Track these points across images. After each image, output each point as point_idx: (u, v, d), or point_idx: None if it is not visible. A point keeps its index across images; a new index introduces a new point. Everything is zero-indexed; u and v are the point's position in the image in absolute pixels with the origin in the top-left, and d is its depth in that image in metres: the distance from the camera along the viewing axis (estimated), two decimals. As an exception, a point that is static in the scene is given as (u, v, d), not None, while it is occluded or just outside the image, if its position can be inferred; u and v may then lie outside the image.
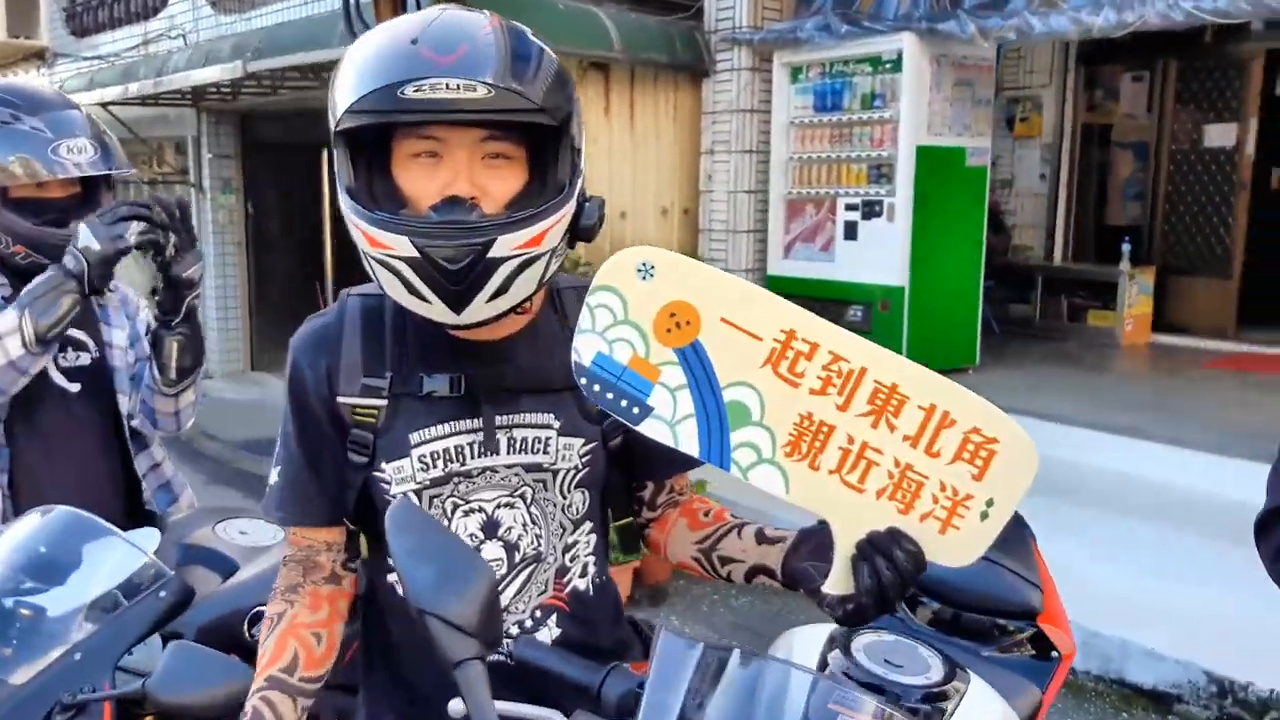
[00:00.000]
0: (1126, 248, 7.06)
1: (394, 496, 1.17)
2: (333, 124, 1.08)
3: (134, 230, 1.77)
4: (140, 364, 2.00)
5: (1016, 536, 1.94)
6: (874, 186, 5.87)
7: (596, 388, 0.96)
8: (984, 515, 0.97)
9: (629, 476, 1.30)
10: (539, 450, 1.19)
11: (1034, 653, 1.81)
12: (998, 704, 1.25)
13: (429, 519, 0.98)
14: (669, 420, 0.96)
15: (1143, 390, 5.97)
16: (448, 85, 1.02)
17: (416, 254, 1.05)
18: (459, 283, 1.06)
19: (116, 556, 1.58)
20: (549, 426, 1.19)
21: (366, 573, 1.27)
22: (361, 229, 1.08)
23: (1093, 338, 7.22)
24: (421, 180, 1.10)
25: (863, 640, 1.28)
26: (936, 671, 1.27)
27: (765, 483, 0.96)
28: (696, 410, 0.95)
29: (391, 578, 1.21)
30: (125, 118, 8.56)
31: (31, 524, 1.59)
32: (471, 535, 1.18)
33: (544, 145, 1.12)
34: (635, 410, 0.96)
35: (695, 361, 0.95)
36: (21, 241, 1.83)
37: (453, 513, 1.18)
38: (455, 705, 1.04)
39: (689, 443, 0.96)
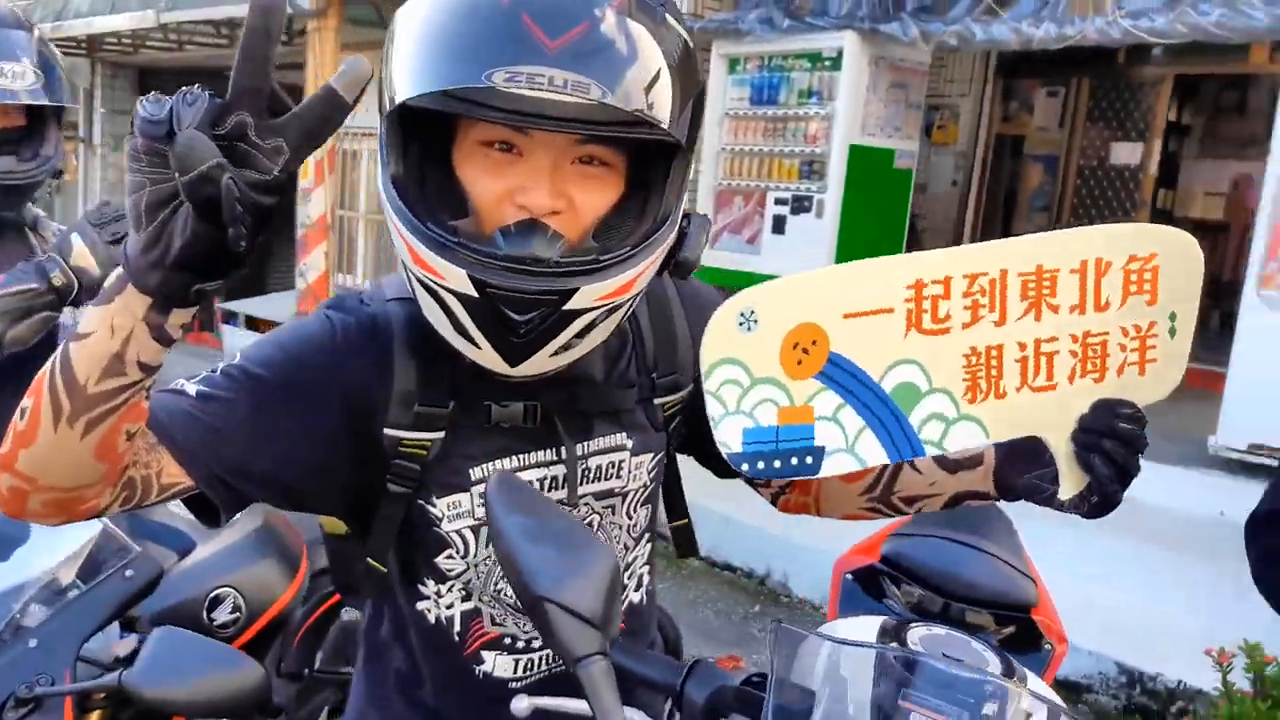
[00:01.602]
0: (1035, 257, 7.28)
1: (448, 533, 1.01)
2: (388, 96, 0.85)
3: None
4: None
5: (1003, 525, 1.92)
6: (805, 182, 5.89)
7: (761, 465, 0.85)
8: (1172, 332, 0.94)
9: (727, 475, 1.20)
10: (612, 476, 1.06)
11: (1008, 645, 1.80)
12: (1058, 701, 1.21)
13: (537, 495, 0.86)
14: (845, 447, 0.86)
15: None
16: (552, 81, 0.78)
17: (474, 293, 0.84)
18: (522, 335, 0.87)
19: (68, 530, 1.41)
20: (622, 448, 1.06)
21: (384, 600, 1.09)
22: (406, 241, 0.86)
23: (1000, 342, 7.40)
24: (490, 178, 0.88)
25: (917, 633, 1.22)
26: (995, 666, 1.21)
27: (963, 441, 0.89)
28: (867, 419, 0.86)
29: (422, 606, 1.05)
30: (10, 62, 7.99)
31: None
32: None
33: (650, 155, 0.91)
34: (809, 460, 0.86)
35: (840, 374, 0.85)
36: None
37: None
38: (520, 703, 0.94)
39: (874, 455, 0.87)
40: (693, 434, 1.15)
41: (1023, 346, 0.90)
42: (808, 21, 5.63)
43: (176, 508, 1.77)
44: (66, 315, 1.76)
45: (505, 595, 1.04)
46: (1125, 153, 7.40)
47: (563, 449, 1.02)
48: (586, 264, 0.86)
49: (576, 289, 0.85)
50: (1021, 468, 1.02)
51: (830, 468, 0.87)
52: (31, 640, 1.23)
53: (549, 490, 1.02)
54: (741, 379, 0.83)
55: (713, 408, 0.84)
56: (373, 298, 1.01)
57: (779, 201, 6.00)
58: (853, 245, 5.85)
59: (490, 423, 0.99)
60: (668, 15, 0.88)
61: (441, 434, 0.98)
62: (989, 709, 0.90)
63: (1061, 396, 0.92)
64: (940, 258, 0.87)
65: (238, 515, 1.83)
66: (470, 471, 1.00)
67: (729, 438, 0.84)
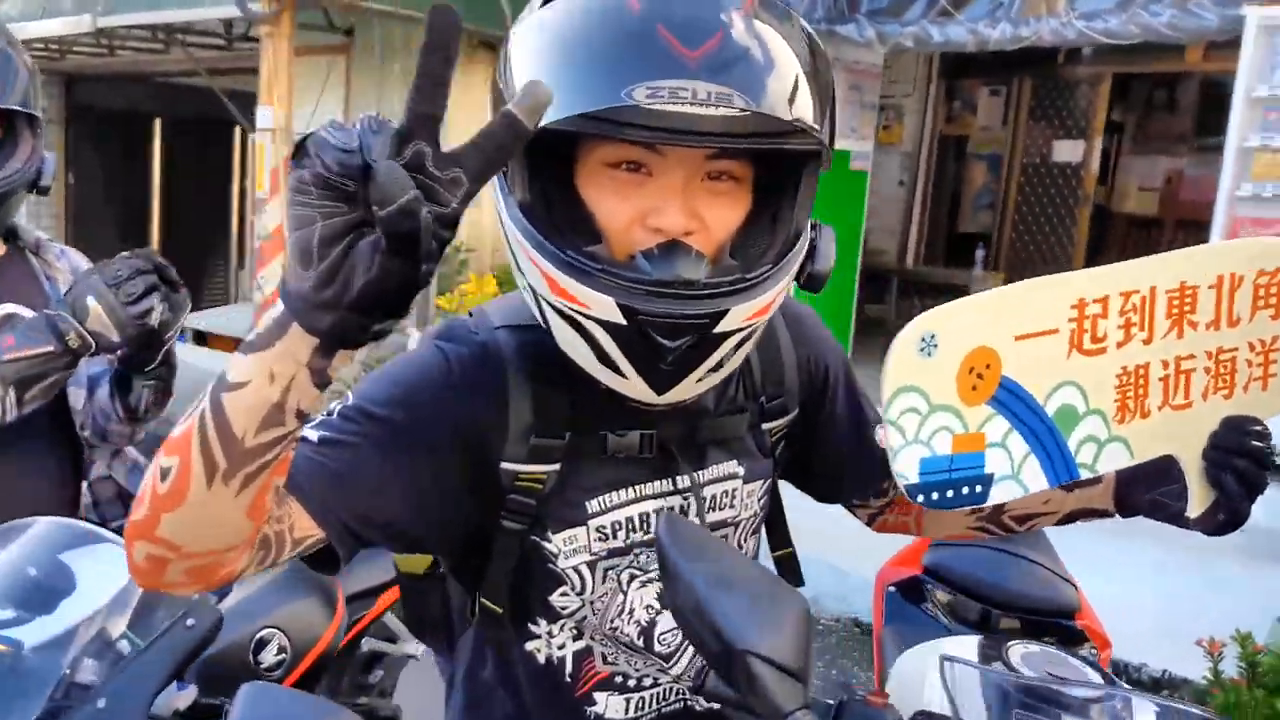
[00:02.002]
0: (981, 254, 7.42)
1: (564, 570, 0.97)
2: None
3: (158, 312, 1.47)
4: (99, 361, 1.71)
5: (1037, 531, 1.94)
6: (765, 184, 5.90)
7: (935, 495, 0.83)
8: None
9: (831, 498, 1.18)
10: (726, 505, 1.03)
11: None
12: (1153, 712, 1.22)
13: (710, 536, 0.83)
14: (1012, 474, 0.85)
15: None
16: (695, 94, 0.75)
17: (623, 321, 0.81)
18: (670, 361, 0.84)
19: (113, 578, 1.33)
20: (735, 476, 1.03)
21: (488, 642, 1.04)
22: (544, 271, 0.83)
23: (949, 339, 7.53)
24: (618, 200, 0.85)
25: (1017, 651, 1.22)
26: (1097, 680, 1.21)
27: (1112, 462, 0.90)
28: (1031, 445, 0.85)
29: (531, 645, 1.00)
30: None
31: (11, 540, 1.32)
32: (648, 607, 1.00)
33: (780, 167, 0.88)
34: (978, 488, 0.84)
35: (1010, 399, 0.84)
36: None
37: (628, 584, 0.99)
38: None
39: (1036, 480, 0.86)
40: (795, 458, 1.13)
41: (1165, 365, 0.91)
42: (765, 24, 5.64)
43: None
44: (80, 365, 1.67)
45: (621, 633, 1.01)
46: (1067, 150, 7.58)
47: (679, 478, 0.99)
48: (735, 284, 0.83)
49: (727, 310, 0.83)
50: (1145, 485, 1.02)
51: (997, 495, 0.85)
52: (100, 700, 1.15)
53: None
54: (920, 406, 0.81)
55: (893, 438, 0.81)
56: (479, 325, 0.97)
57: (737, 203, 6.00)
58: (812, 246, 5.90)
59: (606, 453, 0.96)
60: (793, 13, 0.87)
61: (557, 466, 0.94)
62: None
63: (1196, 414, 0.94)
64: (1098, 276, 0.87)
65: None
66: (587, 505, 0.96)
67: (906, 468, 0.82)
